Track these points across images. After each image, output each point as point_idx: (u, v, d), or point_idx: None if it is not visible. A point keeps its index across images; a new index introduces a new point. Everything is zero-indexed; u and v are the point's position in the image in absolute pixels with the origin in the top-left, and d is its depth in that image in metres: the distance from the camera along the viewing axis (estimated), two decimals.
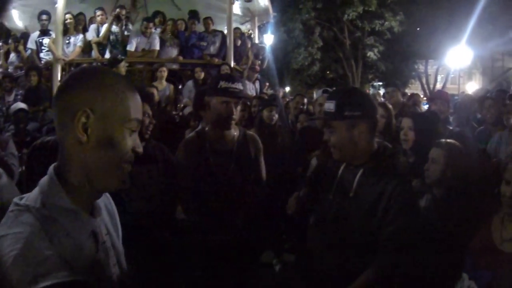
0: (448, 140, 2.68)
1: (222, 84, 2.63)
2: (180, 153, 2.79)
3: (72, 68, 7.80)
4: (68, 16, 7.74)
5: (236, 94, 2.66)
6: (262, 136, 3.35)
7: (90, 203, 1.16)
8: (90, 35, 7.92)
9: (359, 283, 1.97)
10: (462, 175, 2.52)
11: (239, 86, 2.68)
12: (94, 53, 7.83)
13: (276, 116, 4.28)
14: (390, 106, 3.99)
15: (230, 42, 8.46)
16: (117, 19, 7.84)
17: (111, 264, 1.17)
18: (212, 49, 8.35)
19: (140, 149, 1.15)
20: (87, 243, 1.09)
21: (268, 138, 3.82)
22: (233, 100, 2.65)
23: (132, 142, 1.13)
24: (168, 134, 3.69)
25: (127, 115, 1.11)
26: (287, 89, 18.55)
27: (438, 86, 23.56)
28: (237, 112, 2.70)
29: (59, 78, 7.44)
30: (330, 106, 2.06)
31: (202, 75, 7.33)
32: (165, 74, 7.26)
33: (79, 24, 8.04)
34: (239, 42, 9.07)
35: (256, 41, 10.30)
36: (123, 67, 6.69)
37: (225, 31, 8.81)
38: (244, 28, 10.43)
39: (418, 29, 20.43)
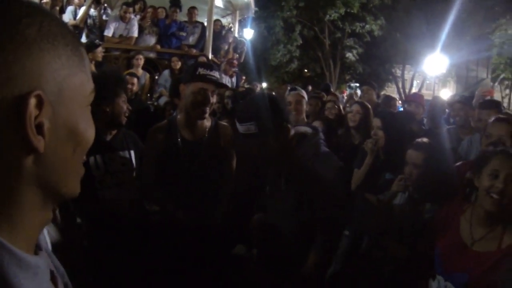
0: (426, 142, 2.73)
1: (200, 71, 2.57)
2: (148, 140, 2.73)
3: None
4: None
5: (214, 81, 2.61)
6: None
7: (37, 235, 0.72)
8: (67, 17, 7.65)
9: (308, 267, 2.21)
10: (440, 176, 2.59)
11: (216, 74, 2.63)
12: None
13: None
14: (368, 105, 4.07)
15: (209, 33, 8.38)
16: (96, 2, 7.63)
17: None
18: (191, 40, 8.26)
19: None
20: None
21: None
22: (210, 87, 2.60)
23: (92, 122, 0.73)
24: (142, 124, 3.62)
25: (87, 84, 0.71)
26: (264, 85, 18.57)
27: (414, 91, 23.96)
28: (213, 101, 2.64)
29: None
30: (250, 128, 2.07)
31: (179, 65, 7.23)
32: (142, 62, 7.11)
33: (55, 5, 7.77)
34: (223, 33, 9.00)
35: (236, 35, 10.25)
36: (100, 53, 6.53)
37: (206, 23, 8.72)
38: (225, 21, 10.37)
39: (397, 35, 20.79)
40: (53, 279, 0.74)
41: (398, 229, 2.71)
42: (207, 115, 2.64)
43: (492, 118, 2.89)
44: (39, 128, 0.61)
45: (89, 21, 7.64)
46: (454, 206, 2.07)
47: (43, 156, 0.63)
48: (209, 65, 2.70)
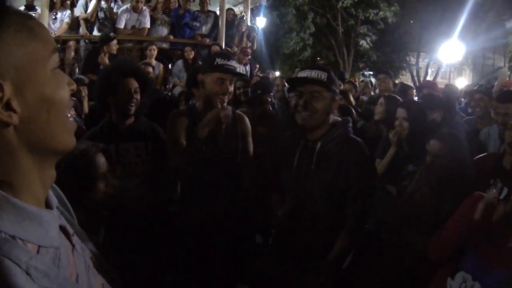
0: (448, 132, 2.70)
1: (219, 61, 2.60)
2: (171, 123, 2.72)
3: (59, 45, 7.63)
4: None
5: (232, 71, 2.64)
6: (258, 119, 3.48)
7: (45, 194, 0.85)
8: (78, 10, 7.65)
9: (335, 251, 2.30)
10: (460, 167, 2.59)
11: (234, 64, 2.67)
12: (82, 30, 7.57)
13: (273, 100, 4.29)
14: (398, 98, 3.96)
15: (222, 23, 8.33)
16: None
17: (85, 256, 0.94)
18: (204, 29, 8.23)
19: (73, 85, 0.85)
20: (62, 247, 0.81)
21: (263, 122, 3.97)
22: (229, 77, 2.63)
23: (63, 81, 0.82)
24: (159, 114, 3.63)
25: (44, 49, 0.78)
26: (277, 73, 18.48)
27: (429, 79, 23.63)
28: (231, 90, 2.68)
29: None
30: (321, 75, 2.25)
31: (192, 55, 7.18)
32: (155, 52, 7.11)
33: None
34: (236, 22, 8.95)
35: (249, 23, 10.18)
36: (114, 46, 6.54)
37: (218, 12, 8.66)
38: (237, 10, 10.29)
39: (411, 21, 20.46)
40: (65, 233, 0.87)
41: (418, 220, 2.69)
42: (225, 104, 2.65)
43: None
44: (8, 105, 0.72)
45: (100, 14, 7.62)
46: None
47: (21, 126, 0.74)
48: (227, 55, 2.72)
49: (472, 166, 2.67)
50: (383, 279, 2.59)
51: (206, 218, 2.64)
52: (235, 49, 8.41)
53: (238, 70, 2.80)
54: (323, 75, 2.24)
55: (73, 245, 0.88)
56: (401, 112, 3.23)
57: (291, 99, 4.68)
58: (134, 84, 2.75)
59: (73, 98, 5.24)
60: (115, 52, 6.57)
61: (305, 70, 2.31)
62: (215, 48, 7.13)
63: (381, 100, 3.87)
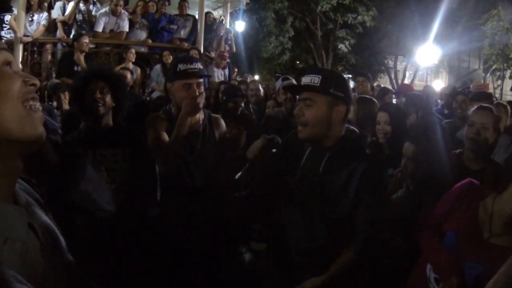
0: (422, 135, 2.73)
1: (181, 67, 2.58)
2: (150, 126, 2.69)
3: (35, 49, 7.52)
4: None
5: (196, 74, 2.60)
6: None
7: (10, 188, 0.90)
8: (56, 13, 7.54)
9: (338, 265, 2.02)
10: (435, 168, 2.60)
11: (197, 65, 2.62)
12: (59, 33, 7.47)
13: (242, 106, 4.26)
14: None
15: (201, 26, 8.33)
16: None
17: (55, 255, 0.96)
18: (183, 33, 8.21)
19: (34, 80, 0.94)
20: (29, 242, 0.85)
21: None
22: (194, 81, 2.59)
23: (11, 75, 0.90)
24: (138, 118, 3.60)
25: None
26: (256, 77, 18.51)
27: (406, 82, 23.99)
28: (200, 91, 2.61)
29: (20, 59, 7.11)
30: (313, 79, 2.00)
31: (171, 59, 7.13)
32: (133, 56, 7.07)
33: (43, 0, 7.61)
34: (214, 26, 8.95)
35: (228, 27, 10.19)
36: (84, 43, 6.41)
37: (197, 16, 8.64)
38: (216, 14, 10.29)
39: (389, 26, 20.79)
40: (34, 230, 0.88)
41: (396, 223, 2.70)
42: (201, 107, 2.61)
43: (474, 107, 2.91)
44: None
45: (78, 16, 7.53)
46: (472, 190, 1.98)
47: None
48: (189, 59, 2.70)
49: (445, 167, 2.69)
50: (360, 282, 2.59)
51: (186, 224, 2.61)
52: (213, 54, 8.40)
53: (203, 72, 2.72)
54: (316, 79, 1.99)
55: (41, 243, 0.89)
56: (382, 116, 3.20)
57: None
58: (100, 85, 2.72)
59: (49, 103, 5.20)
60: (86, 49, 6.47)
61: (305, 75, 2.09)
62: (193, 53, 7.11)
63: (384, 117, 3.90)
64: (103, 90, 2.72)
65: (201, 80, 2.66)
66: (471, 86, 6.18)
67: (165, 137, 2.60)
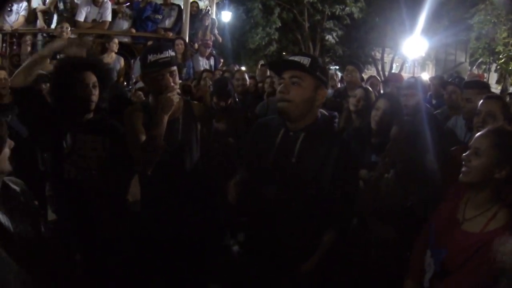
0: (408, 119, 2.72)
1: (151, 58, 2.46)
2: (127, 119, 2.60)
3: (14, 40, 7.33)
4: None
5: (167, 64, 2.49)
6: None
7: None
8: (35, 2, 7.39)
9: (322, 250, 2.06)
10: (422, 154, 2.63)
11: (168, 53, 2.50)
12: (39, 23, 7.31)
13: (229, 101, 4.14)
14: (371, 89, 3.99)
15: (186, 16, 8.21)
16: None
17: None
18: (167, 23, 8.07)
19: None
20: None
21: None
22: (167, 70, 2.49)
23: None
24: (118, 109, 3.51)
25: None
26: (243, 68, 18.41)
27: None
28: (175, 80, 2.52)
29: None
30: (303, 60, 2.03)
31: None
32: (116, 46, 6.91)
33: None
34: (200, 16, 8.79)
35: (214, 17, 10.06)
36: (64, 30, 6.29)
37: (182, 5, 8.50)
38: (202, 3, 10.14)
39: (377, 18, 20.91)
40: None
41: (384, 210, 2.68)
42: (174, 97, 2.49)
43: (483, 97, 2.84)
44: None
45: (60, 5, 7.34)
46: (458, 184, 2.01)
47: None
48: (159, 48, 2.57)
49: (433, 154, 2.68)
50: (350, 273, 2.53)
51: (169, 219, 2.54)
52: (196, 46, 8.26)
53: (174, 60, 2.58)
54: (305, 60, 2.02)
55: None
56: (383, 103, 3.14)
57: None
58: (93, 79, 2.66)
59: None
60: (66, 41, 6.24)
61: (291, 56, 2.13)
62: (179, 43, 6.98)
63: (360, 92, 3.85)
64: (95, 83, 2.66)
65: (174, 68, 2.54)
66: (466, 77, 6.19)
67: (141, 132, 2.51)
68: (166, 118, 2.45)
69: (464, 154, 1.89)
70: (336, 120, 2.26)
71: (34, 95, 2.89)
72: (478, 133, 1.94)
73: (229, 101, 4.06)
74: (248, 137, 2.41)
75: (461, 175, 1.88)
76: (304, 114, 2.07)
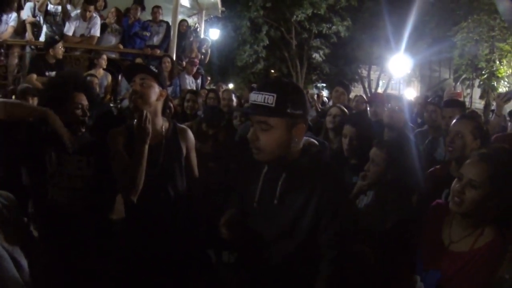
0: (389, 140, 2.73)
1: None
2: (110, 145, 2.53)
3: (2, 51, 7.26)
4: None
5: (138, 69, 2.58)
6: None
7: None
8: (25, 14, 7.31)
9: None
10: (402, 175, 2.61)
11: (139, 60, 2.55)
12: (28, 35, 7.25)
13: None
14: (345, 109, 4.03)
15: (174, 34, 8.22)
16: None
17: None
18: (156, 40, 8.07)
19: None
20: None
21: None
22: (138, 77, 2.48)
23: None
24: (104, 127, 3.49)
25: None
26: (231, 85, 18.41)
27: (380, 90, 24.39)
28: (139, 89, 2.45)
29: None
30: (268, 99, 1.72)
31: None
32: (105, 63, 6.90)
33: (13, 0, 7.29)
34: (188, 34, 8.85)
35: (202, 35, 10.11)
36: (60, 49, 6.25)
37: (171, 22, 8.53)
38: (191, 21, 10.20)
39: (363, 36, 21.18)
40: None
41: (364, 231, 2.68)
42: (149, 129, 2.35)
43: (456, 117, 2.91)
44: None
45: (49, 17, 7.30)
46: (442, 205, 2.04)
47: None
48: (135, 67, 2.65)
49: (415, 173, 2.71)
50: None
51: (153, 241, 2.50)
52: (184, 63, 8.29)
53: (146, 66, 2.63)
54: (270, 98, 1.71)
55: None
56: (349, 130, 3.17)
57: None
58: (85, 101, 2.70)
59: None
60: (60, 56, 6.32)
61: (256, 92, 1.79)
62: (166, 60, 7.01)
63: (335, 110, 3.94)
64: (87, 106, 2.71)
65: (144, 75, 2.48)
66: (445, 93, 6.27)
67: (123, 157, 2.43)
68: (145, 147, 2.35)
69: (456, 185, 1.83)
70: (326, 150, 1.99)
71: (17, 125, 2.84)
72: (471, 162, 1.84)
73: (218, 130, 4.11)
74: (237, 171, 2.31)
75: (451, 204, 1.83)
76: (282, 156, 1.82)
